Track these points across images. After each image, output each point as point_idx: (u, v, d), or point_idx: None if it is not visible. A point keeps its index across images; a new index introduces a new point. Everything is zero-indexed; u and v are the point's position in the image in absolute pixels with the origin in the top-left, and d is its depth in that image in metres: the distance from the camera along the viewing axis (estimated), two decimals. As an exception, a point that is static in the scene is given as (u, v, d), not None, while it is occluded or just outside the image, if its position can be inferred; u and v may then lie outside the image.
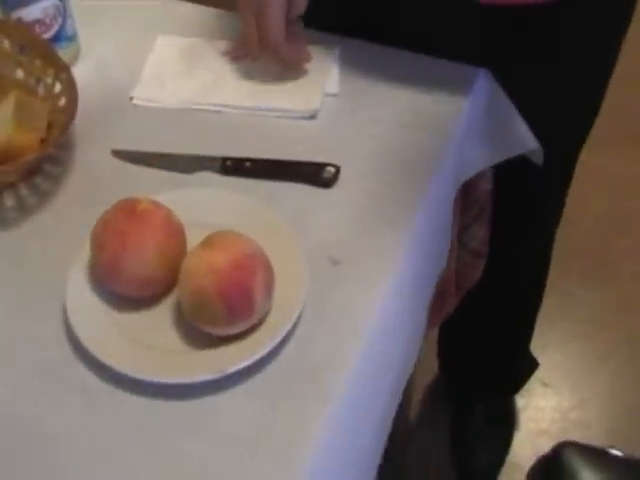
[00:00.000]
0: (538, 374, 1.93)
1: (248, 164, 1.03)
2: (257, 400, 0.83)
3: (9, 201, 1.01)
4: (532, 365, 1.91)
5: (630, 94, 2.66)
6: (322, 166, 1.02)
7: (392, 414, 0.99)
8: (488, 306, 1.62)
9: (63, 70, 1.06)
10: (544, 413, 2.01)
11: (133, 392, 0.83)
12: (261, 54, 1.11)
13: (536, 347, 1.89)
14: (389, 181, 1.02)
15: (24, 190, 1.02)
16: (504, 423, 1.96)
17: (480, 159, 1.20)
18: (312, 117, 1.10)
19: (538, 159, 1.23)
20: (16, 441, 0.81)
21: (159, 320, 0.88)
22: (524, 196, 1.39)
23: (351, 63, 1.16)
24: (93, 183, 1.03)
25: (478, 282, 1.37)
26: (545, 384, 2.05)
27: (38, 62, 1.08)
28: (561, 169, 1.40)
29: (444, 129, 1.08)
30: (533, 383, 1.98)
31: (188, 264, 0.85)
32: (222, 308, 0.81)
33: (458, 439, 1.92)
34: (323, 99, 1.11)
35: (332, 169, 1.02)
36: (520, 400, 2.00)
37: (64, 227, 0.98)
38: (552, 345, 2.10)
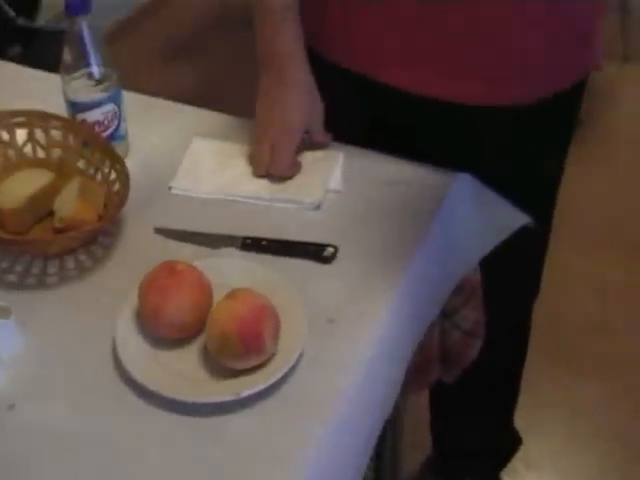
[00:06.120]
0: (522, 455, 2.15)
1: (264, 242, 1.28)
2: (265, 419, 1.06)
3: (70, 263, 1.26)
4: (516, 441, 2.12)
5: (624, 206, 3.00)
6: (323, 246, 1.27)
7: (372, 444, 1.22)
8: (474, 378, 1.82)
9: (117, 162, 1.32)
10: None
11: (167, 409, 1.06)
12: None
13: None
14: (378, 260, 1.27)
15: (82, 255, 1.27)
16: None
17: (475, 248, 1.46)
18: (317, 208, 1.35)
19: (531, 225, 1.46)
20: (71, 444, 1.04)
21: (190, 356, 1.12)
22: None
23: (353, 166, 1.42)
24: (138, 251, 1.28)
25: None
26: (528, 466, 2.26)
27: (97, 155, 1.34)
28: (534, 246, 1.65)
29: (426, 222, 1.33)
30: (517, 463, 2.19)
31: (215, 313, 1.09)
32: (240, 347, 1.06)
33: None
34: (326, 194, 1.36)
35: (332, 249, 1.27)
36: None
37: (114, 284, 1.22)
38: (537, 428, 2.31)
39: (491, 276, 1.52)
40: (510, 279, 1.63)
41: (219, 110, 1.57)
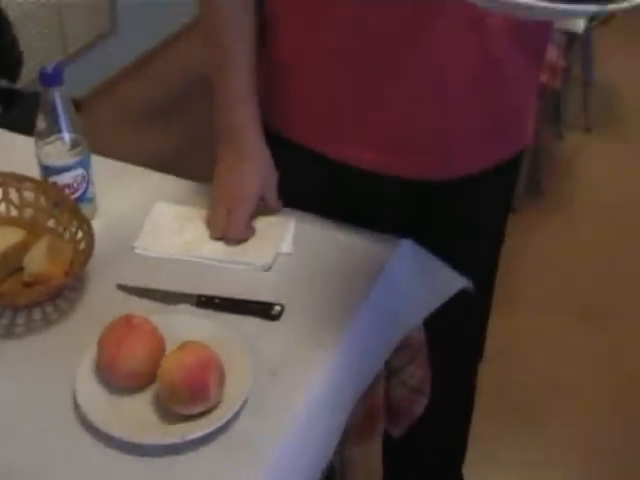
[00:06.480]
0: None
1: (217, 300, 1.39)
2: (208, 462, 1.17)
3: (37, 315, 1.37)
4: None
5: (578, 270, 3.16)
6: (272, 305, 1.39)
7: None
8: (421, 432, 1.86)
9: (84, 223, 1.43)
10: None
11: (121, 451, 1.17)
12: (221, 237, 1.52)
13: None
14: (322, 319, 1.38)
15: (48, 308, 1.38)
16: None
17: (416, 310, 1.57)
18: (268, 269, 1.47)
19: (470, 288, 1.57)
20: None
21: (143, 402, 1.23)
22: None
23: (303, 231, 1.53)
24: (101, 306, 1.38)
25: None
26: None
27: (66, 215, 1.46)
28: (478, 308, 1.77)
29: (369, 284, 1.45)
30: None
31: (165, 363, 1.20)
32: (187, 395, 1.17)
33: None
34: (277, 257, 1.48)
35: (279, 307, 1.38)
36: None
37: (77, 335, 1.33)
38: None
39: (435, 336, 1.63)
40: (453, 340, 1.75)
41: (189, 174, 1.69)
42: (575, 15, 1.06)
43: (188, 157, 3.48)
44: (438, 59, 1.39)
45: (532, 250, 3.34)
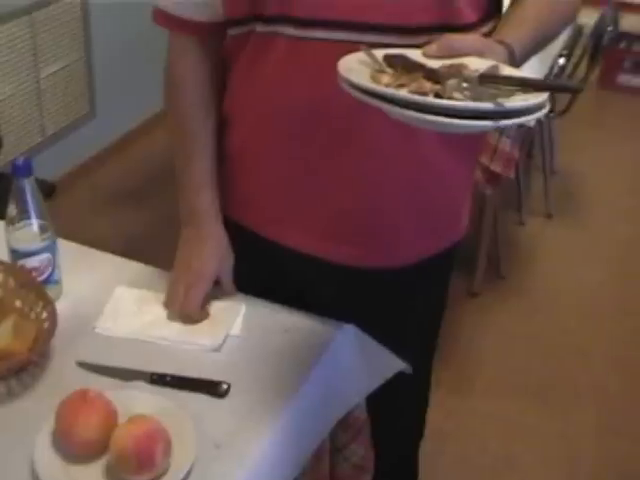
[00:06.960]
0: None
1: (169, 378, 1.51)
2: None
3: (1, 388, 1.48)
4: None
5: (537, 353, 3.29)
6: (219, 383, 1.50)
7: None
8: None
9: (49, 304, 1.55)
10: None
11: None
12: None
13: None
14: (265, 397, 1.50)
15: (13, 382, 1.49)
16: None
17: (355, 390, 1.68)
18: (217, 350, 1.59)
19: (408, 371, 1.70)
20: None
21: (96, 470, 1.34)
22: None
23: (252, 314, 1.66)
24: (61, 381, 1.50)
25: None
26: None
27: (32, 296, 1.58)
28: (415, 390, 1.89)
29: (312, 365, 1.57)
30: None
31: (116, 433, 1.31)
32: (135, 464, 1.28)
33: None
34: (226, 338, 1.60)
35: (225, 385, 1.50)
36: None
37: (38, 407, 1.44)
38: None
39: (376, 416, 1.75)
40: (393, 420, 1.86)
41: (159, 256, 1.83)
42: (474, 130, 1.20)
43: (159, 240, 3.60)
44: (373, 163, 1.54)
45: (490, 333, 3.46)
